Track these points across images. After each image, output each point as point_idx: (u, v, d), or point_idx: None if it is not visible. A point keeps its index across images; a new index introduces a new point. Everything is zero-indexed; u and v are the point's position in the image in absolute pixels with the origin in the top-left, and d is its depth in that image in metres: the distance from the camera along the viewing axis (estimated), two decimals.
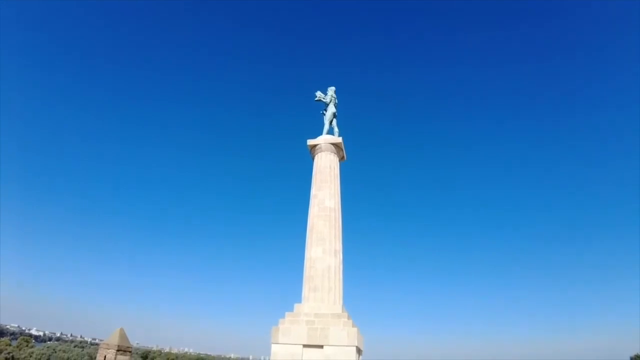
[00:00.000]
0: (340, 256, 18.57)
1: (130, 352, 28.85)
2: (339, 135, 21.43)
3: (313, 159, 21.12)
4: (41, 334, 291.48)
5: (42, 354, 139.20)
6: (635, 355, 48.20)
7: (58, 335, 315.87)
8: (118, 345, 27.55)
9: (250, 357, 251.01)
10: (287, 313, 17.33)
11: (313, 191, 19.82)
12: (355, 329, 16.06)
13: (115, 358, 27.40)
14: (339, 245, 18.69)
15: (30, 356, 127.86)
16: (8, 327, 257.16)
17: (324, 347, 15.75)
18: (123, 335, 28.49)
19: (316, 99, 22.18)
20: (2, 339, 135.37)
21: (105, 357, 27.27)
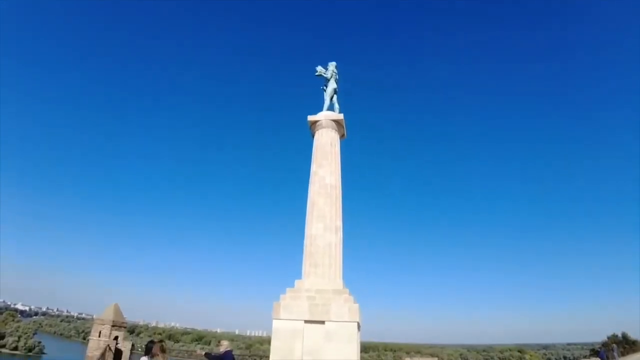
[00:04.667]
0: (340, 233, 18.61)
1: (125, 327, 28.93)
2: (340, 112, 21.15)
3: (313, 136, 20.82)
4: (27, 309, 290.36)
5: (29, 329, 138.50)
6: (612, 335, 50.04)
7: (44, 310, 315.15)
8: (113, 321, 27.55)
9: (237, 332, 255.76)
10: (288, 289, 17.41)
11: (313, 168, 19.62)
12: (356, 305, 16.26)
13: (110, 333, 27.42)
14: (339, 222, 18.71)
15: (17, 330, 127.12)
16: None
17: (326, 322, 15.93)
18: (117, 311, 28.45)
19: (317, 73, 21.70)
20: None
21: (100, 332, 27.26)
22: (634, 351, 44.17)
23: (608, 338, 50.26)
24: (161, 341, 8.60)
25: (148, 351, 9.37)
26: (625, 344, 46.83)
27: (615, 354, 38.55)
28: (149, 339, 9.99)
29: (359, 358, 17.38)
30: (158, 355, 8.43)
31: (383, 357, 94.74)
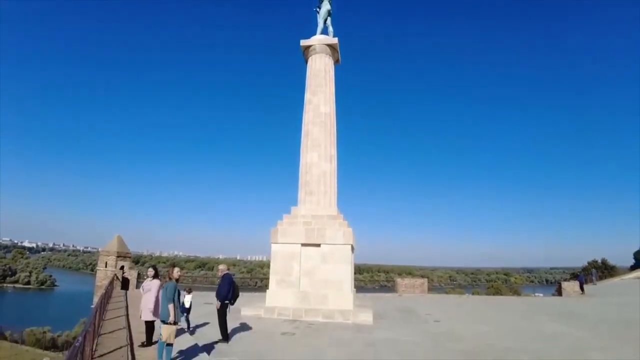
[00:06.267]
0: (335, 161, 18.74)
1: (129, 257, 30.10)
2: (334, 36, 20.17)
3: (306, 61, 20.07)
4: (34, 245, 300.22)
5: (39, 264, 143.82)
6: (592, 261, 52.40)
7: (51, 246, 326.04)
8: (117, 252, 28.63)
9: (238, 257, 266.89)
10: (285, 215, 17.92)
11: (307, 96, 19.19)
12: (350, 229, 16.86)
13: (116, 263, 28.64)
14: (333, 151, 18.75)
15: (27, 266, 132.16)
16: (0, 241, 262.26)
17: (321, 245, 16.63)
18: (121, 242, 29.47)
19: None
20: None
21: (106, 263, 28.45)
22: (612, 276, 46.99)
23: (588, 263, 52.77)
24: (174, 265, 8.99)
25: (157, 274, 9.90)
26: (604, 269, 49.59)
27: (593, 278, 41.04)
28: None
29: (352, 278, 18.47)
30: (166, 278, 8.81)
31: (376, 278, 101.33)
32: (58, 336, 43.33)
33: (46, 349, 38.12)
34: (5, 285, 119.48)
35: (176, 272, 8.99)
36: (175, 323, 8.02)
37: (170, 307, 7.94)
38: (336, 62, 20.50)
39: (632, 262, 56.57)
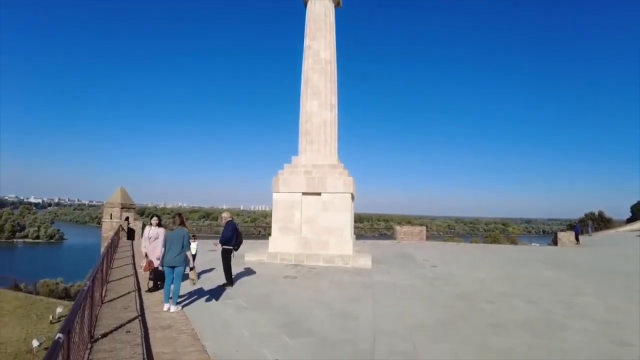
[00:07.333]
0: (335, 110, 18.39)
1: (134, 208, 30.55)
2: None
3: (305, 5, 19.09)
4: (40, 201, 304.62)
5: (46, 219, 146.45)
6: (590, 213, 53.02)
7: (56, 201, 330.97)
8: (121, 204, 29.01)
9: (241, 207, 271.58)
10: (285, 165, 17.91)
11: (307, 42, 18.44)
12: (350, 178, 16.90)
13: (120, 215, 29.12)
14: (334, 99, 18.34)
15: (36, 221, 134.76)
16: (6, 198, 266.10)
17: (322, 194, 16.76)
18: (124, 194, 29.79)
19: None
20: (4, 209, 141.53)
21: (111, 215, 28.93)
22: (607, 228, 47.87)
23: (585, 215, 53.56)
24: (180, 214, 9.08)
25: (160, 222, 10.11)
26: (600, 221, 50.43)
27: (589, 229, 41.74)
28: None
29: (352, 225, 18.81)
30: (170, 227, 8.96)
31: (376, 226, 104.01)
32: (70, 286, 45.05)
33: (60, 298, 39.75)
34: (15, 240, 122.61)
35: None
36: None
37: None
38: (337, 5, 19.48)
39: (628, 214, 57.45)
